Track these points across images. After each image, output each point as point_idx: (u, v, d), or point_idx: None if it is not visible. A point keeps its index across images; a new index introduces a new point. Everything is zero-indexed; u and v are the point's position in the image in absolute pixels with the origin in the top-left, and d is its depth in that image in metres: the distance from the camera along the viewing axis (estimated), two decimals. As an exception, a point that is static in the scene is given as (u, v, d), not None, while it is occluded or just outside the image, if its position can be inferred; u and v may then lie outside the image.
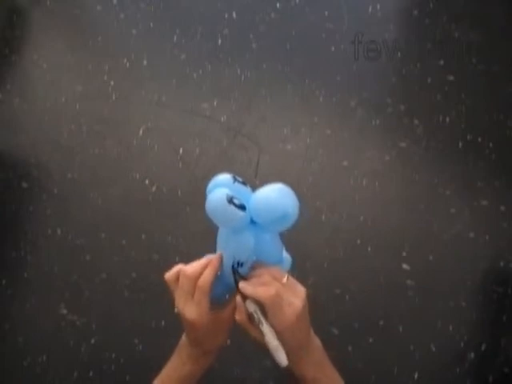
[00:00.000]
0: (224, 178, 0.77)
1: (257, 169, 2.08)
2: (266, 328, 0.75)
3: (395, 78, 2.31)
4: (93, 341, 1.82)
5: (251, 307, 0.76)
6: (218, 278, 0.80)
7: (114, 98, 2.25)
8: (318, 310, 2.00)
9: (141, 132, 2.17)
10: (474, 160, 2.10)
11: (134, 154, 2.13)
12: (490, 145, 2.12)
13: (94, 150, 2.14)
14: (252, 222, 0.76)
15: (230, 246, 0.79)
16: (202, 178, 2.07)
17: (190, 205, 2.02)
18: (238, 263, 0.77)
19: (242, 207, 0.73)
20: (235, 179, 0.77)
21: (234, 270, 0.78)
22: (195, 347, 0.85)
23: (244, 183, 0.78)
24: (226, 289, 0.83)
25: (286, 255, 0.86)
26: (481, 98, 2.22)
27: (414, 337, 1.82)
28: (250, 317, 0.77)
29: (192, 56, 2.33)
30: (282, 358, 0.75)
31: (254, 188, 0.78)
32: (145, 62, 2.31)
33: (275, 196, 0.74)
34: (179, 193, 2.05)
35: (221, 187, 0.75)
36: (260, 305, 0.76)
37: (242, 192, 0.76)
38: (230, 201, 0.72)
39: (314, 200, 2.00)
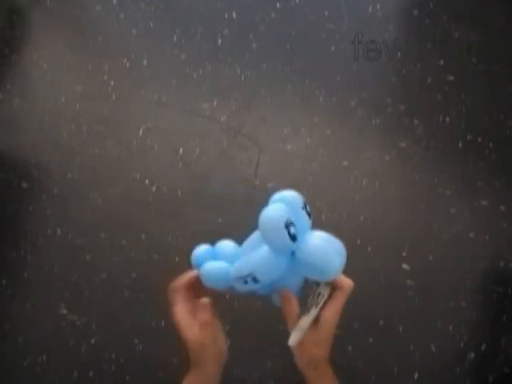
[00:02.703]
0: (295, 197, 0.74)
1: (257, 169, 2.08)
2: (314, 311, 0.78)
3: (395, 78, 2.31)
4: (93, 341, 1.82)
5: (324, 290, 0.79)
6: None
7: (113, 98, 2.25)
8: (318, 310, 1.99)
9: (141, 132, 2.17)
10: (474, 160, 2.10)
11: (133, 154, 2.13)
12: (490, 145, 2.12)
13: (94, 149, 2.14)
14: (292, 253, 0.73)
15: (257, 258, 0.74)
16: (202, 177, 2.07)
17: (189, 205, 2.02)
18: (254, 278, 0.74)
19: (294, 238, 0.70)
20: (305, 206, 0.74)
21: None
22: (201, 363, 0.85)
23: (309, 214, 0.75)
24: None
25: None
26: (481, 97, 2.22)
27: (414, 337, 1.82)
28: (314, 297, 0.78)
29: (192, 56, 2.33)
30: (295, 338, 0.77)
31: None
32: (145, 62, 2.31)
33: (327, 250, 0.72)
34: (179, 193, 2.05)
35: (287, 205, 0.71)
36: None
37: (302, 221, 0.73)
38: (287, 226, 0.69)
39: (314, 200, 2.00)
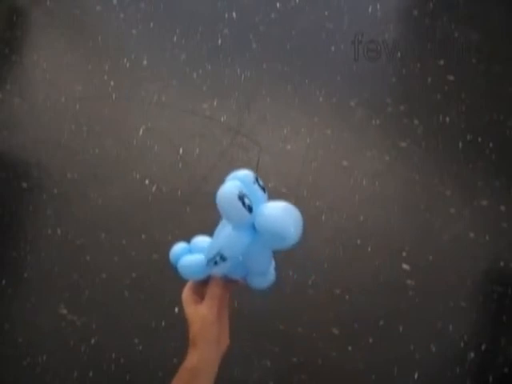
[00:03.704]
0: (246, 174, 0.78)
1: (257, 169, 2.08)
2: None
3: (395, 78, 2.31)
4: (93, 341, 1.82)
5: None
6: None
7: (113, 98, 2.25)
8: (318, 309, 2.01)
9: (141, 132, 2.17)
10: (474, 160, 2.10)
11: (133, 154, 2.13)
12: (490, 145, 2.12)
13: (94, 149, 2.14)
14: (254, 227, 0.76)
15: (221, 237, 0.79)
16: (202, 177, 2.07)
17: (189, 205, 2.02)
18: (222, 256, 0.77)
19: (250, 209, 0.73)
20: (257, 180, 0.77)
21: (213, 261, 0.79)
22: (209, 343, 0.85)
23: (263, 189, 0.78)
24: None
25: (272, 272, 0.87)
26: (481, 98, 2.22)
27: (414, 337, 1.82)
28: None
29: (192, 56, 2.33)
30: None
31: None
32: (145, 62, 2.31)
33: (282, 216, 0.74)
34: (179, 193, 2.05)
35: (240, 181, 0.75)
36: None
37: (256, 195, 0.76)
38: (241, 198, 0.73)
39: (313, 200, 2.00)
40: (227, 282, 0.85)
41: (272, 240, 0.75)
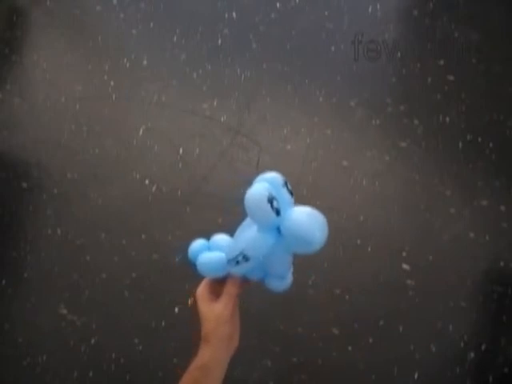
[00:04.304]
0: (276, 177, 0.78)
1: (257, 169, 2.08)
2: None
3: (395, 78, 2.31)
4: (93, 341, 1.82)
5: None
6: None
7: (113, 98, 2.25)
8: (318, 309, 2.01)
9: (141, 132, 2.17)
10: (474, 160, 2.10)
11: (133, 154, 2.13)
12: (490, 145, 2.12)
13: (94, 149, 2.14)
14: (278, 230, 0.76)
15: (246, 238, 0.79)
16: (202, 177, 2.07)
17: (190, 205, 2.02)
18: (244, 256, 0.77)
19: (277, 212, 0.73)
20: (286, 185, 0.77)
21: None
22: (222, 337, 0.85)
23: (291, 193, 0.78)
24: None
25: (290, 276, 0.87)
26: (481, 98, 2.22)
27: (414, 337, 1.82)
28: None
29: (192, 56, 2.33)
30: None
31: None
32: (145, 62, 2.31)
33: (309, 221, 0.75)
34: (179, 193, 2.05)
35: (269, 184, 0.75)
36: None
37: (284, 199, 0.76)
38: (270, 201, 0.73)
39: (314, 200, 2.00)
40: (244, 282, 0.85)
41: (296, 244, 0.75)
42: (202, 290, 0.86)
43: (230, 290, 0.84)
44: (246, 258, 0.77)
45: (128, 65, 2.31)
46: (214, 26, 2.38)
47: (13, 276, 1.95)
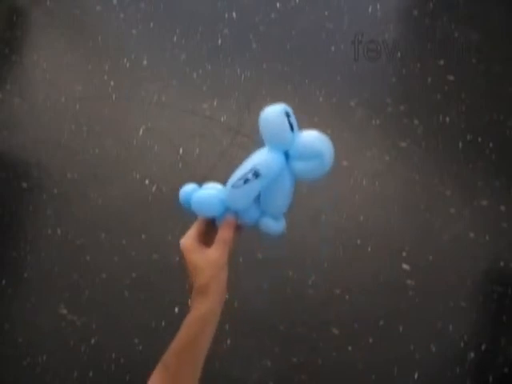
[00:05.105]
0: (283, 106, 0.80)
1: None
2: None
3: (395, 78, 2.31)
4: (93, 341, 1.82)
5: None
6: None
7: (113, 98, 2.25)
8: (318, 310, 2.01)
9: (141, 132, 2.17)
10: (474, 160, 2.10)
11: (133, 154, 2.13)
12: (490, 145, 2.11)
13: (94, 149, 2.14)
14: (286, 157, 0.78)
15: (256, 157, 0.79)
16: (202, 177, 2.07)
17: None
18: (255, 172, 0.78)
19: (292, 128, 0.77)
20: (289, 116, 0.79)
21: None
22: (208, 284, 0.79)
23: (292, 126, 0.79)
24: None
25: (283, 221, 0.85)
26: (481, 98, 2.22)
27: (414, 337, 1.82)
28: None
29: (192, 56, 2.33)
30: None
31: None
32: (145, 62, 2.31)
33: (320, 140, 0.78)
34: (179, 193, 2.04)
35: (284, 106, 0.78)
36: None
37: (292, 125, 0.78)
38: (287, 115, 0.77)
39: (313, 200, 2.00)
40: (237, 226, 0.81)
41: (306, 164, 0.77)
42: (188, 240, 0.81)
43: (225, 234, 0.80)
44: (256, 175, 0.77)
45: (128, 65, 2.31)
46: (214, 25, 2.38)
47: (13, 276, 1.95)
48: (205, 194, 0.84)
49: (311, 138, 0.78)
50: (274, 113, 0.78)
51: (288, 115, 0.77)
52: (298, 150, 0.77)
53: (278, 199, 0.82)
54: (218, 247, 0.79)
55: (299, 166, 0.77)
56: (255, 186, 0.78)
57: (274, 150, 0.78)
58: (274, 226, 0.83)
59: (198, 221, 0.85)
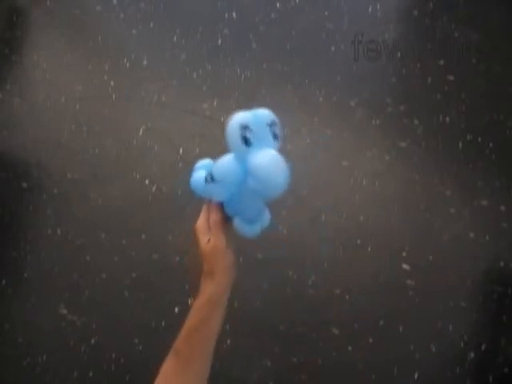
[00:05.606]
0: (266, 114, 0.78)
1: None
2: None
3: (395, 78, 2.31)
4: (93, 341, 1.82)
5: None
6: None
7: (113, 98, 2.25)
8: (317, 309, 2.01)
9: (141, 132, 2.17)
10: (474, 160, 2.10)
11: (133, 154, 2.13)
12: (490, 145, 2.12)
13: (94, 149, 2.14)
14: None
15: (219, 160, 0.80)
16: (202, 177, 2.07)
17: (190, 205, 2.02)
18: (211, 176, 0.79)
19: (247, 142, 0.74)
20: (272, 125, 0.77)
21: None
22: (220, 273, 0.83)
23: (276, 137, 0.78)
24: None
25: (260, 225, 0.85)
26: (481, 98, 2.22)
27: (414, 337, 1.82)
28: None
29: (192, 56, 2.33)
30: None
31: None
32: (145, 62, 2.31)
33: (269, 166, 0.75)
34: (179, 193, 2.05)
35: (254, 117, 0.76)
36: None
37: (261, 137, 0.76)
38: (243, 129, 0.74)
39: (313, 200, 2.00)
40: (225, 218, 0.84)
41: (256, 184, 0.75)
42: (198, 223, 0.85)
43: (212, 217, 0.83)
44: (212, 178, 0.79)
45: (128, 65, 2.31)
46: (214, 25, 2.38)
47: (13, 276, 1.95)
48: (197, 176, 0.87)
49: (263, 160, 0.74)
50: (231, 124, 0.76)
51: (244, 128, 0.74)
52: (250, 167, 0.75)
53: (246, 207, 0.82)
54: (213, 232, 0.82)
55: (250, 181, 0.76)
56: (214, 187, 0.80)
57: (236, 159, 0.77)
58: (245, 228, 0.84)
59: (204, 207, 0.87)
